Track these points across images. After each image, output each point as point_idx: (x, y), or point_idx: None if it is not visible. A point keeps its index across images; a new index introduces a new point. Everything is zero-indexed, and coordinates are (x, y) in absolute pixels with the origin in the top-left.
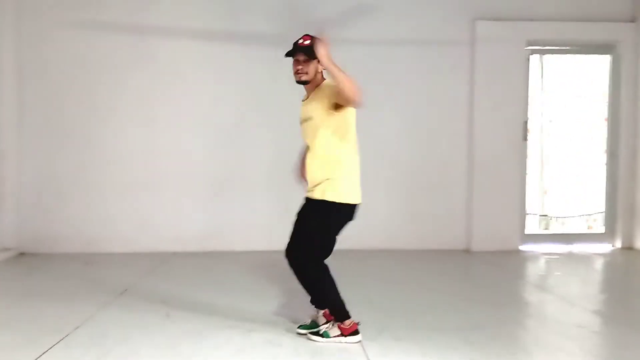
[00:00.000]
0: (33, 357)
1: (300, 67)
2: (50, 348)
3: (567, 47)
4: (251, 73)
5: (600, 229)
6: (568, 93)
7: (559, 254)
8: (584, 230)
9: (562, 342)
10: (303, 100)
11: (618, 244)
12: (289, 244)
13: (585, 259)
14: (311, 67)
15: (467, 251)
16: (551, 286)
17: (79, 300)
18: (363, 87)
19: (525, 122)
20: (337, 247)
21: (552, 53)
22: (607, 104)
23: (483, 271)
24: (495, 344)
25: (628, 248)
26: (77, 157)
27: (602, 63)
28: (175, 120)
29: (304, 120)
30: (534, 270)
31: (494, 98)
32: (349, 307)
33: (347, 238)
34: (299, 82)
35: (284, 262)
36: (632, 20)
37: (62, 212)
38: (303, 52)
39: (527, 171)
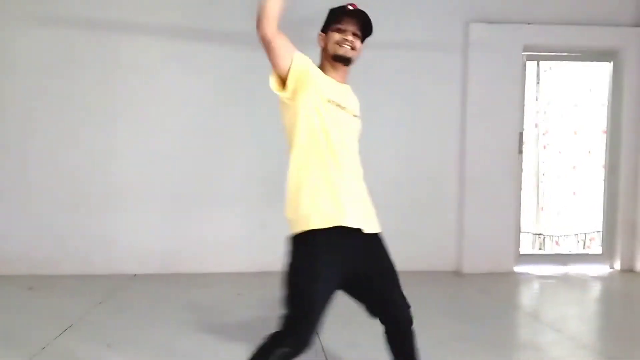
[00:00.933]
0: None
1: (350, 38)
2: None
3: (565, 54)
4: (223, 74)
5: (597, 249)
6: (564, 102)
7: (555, 277)
8: (580, 250)
9: None
10: (333, 80)
11: (617, 265)
12: (400, 307)
13: (584, 283)
14: (358, 45)
15: (457, 273)
16: (555, 321)
17: (11, 343)
18: None
19: (521, 134)
20: None
21: (549, 59)
22: (606, 114)
23: (476, 299)
24: None
25: (628, 270)
26: (21, 167)
27: (601, 71)
28: (138, 125)
29: (353, 116)
30: (532, 298)
31: (488, 107)
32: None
33: None
34: (342, 57)
35: (262, 286)
36: (637, 25)
37: (5, 229)
38: (363, 21)
39: (522, 187)
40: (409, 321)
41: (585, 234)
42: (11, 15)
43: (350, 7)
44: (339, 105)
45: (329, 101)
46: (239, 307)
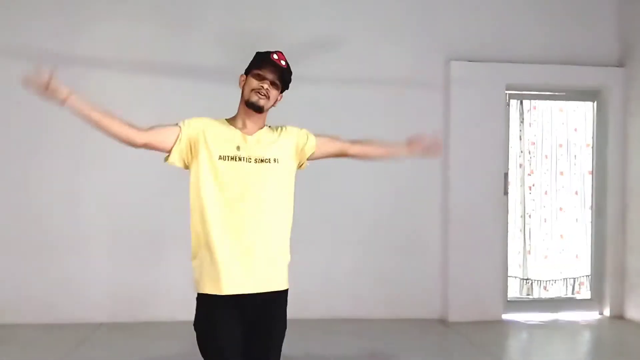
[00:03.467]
0: None
1: (266, 87)
2: None
3: (549, 93)
4: (192, 110)
5: (586, 294)
6: (550, 142)
7: (544, 325)
8: (569, 295)
9: None
10: (237, 128)
11: (606, 311)
12: None
13: (574, 332)
14: (274, 94)
15: (443, 321)
16: None
17: None
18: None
19: (506, 174)
20: (295, 317)
21: (532, 98)
22: (591, 155)
23: (465, 354)
24: None
25: (618, 317)
26: None
27: (587, 110)
28: (105, 164)
29: (259, 160)
30: (523, 352)
31: (471, 146)
32: None
33: (307, 306)
34: (254, 105)
35: None
36: (620, 65)
37: None
38: (279, 73)
39: (508, 229)
40: None
41: (574, 278)
42: None
43: (275, 56)
44: (234, 159)
45: (220, 157)
46: None
